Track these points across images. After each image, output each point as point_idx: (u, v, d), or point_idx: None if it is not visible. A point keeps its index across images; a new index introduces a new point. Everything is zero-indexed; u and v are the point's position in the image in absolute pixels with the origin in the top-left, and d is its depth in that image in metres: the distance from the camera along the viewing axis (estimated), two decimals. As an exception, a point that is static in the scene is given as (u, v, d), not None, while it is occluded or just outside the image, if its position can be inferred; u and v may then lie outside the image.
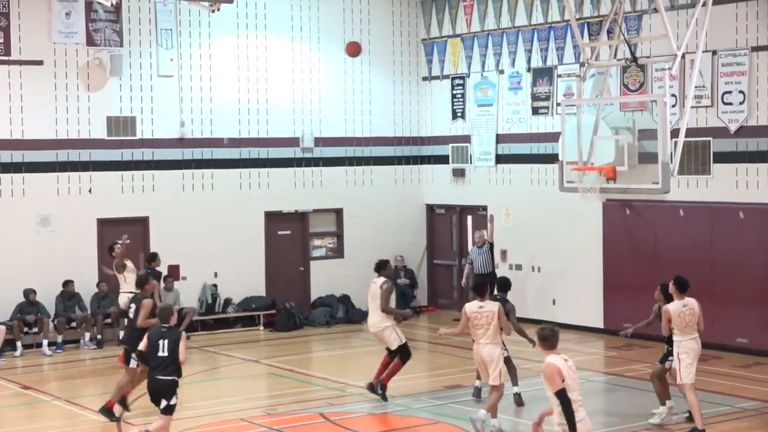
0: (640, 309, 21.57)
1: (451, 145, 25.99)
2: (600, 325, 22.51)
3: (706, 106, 20.46)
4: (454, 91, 25.85)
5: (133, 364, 15.75)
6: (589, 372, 19.11)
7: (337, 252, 25.75)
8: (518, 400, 16.65)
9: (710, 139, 20.46)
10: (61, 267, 22.17)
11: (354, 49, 16.73)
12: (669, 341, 15.22)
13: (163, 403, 13.52)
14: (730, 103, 20.18)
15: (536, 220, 23.83)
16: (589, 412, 16.19)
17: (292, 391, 17.96)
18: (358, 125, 25.88)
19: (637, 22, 21.45)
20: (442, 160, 26.23)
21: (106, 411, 16.03)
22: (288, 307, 24.33)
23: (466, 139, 25.57)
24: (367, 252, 25.46)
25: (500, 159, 24.77)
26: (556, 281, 23.35)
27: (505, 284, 16.75)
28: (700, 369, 18.65)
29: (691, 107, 18.66)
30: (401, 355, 16.80)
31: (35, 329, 21.68)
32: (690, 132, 18.63)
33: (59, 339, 21.74)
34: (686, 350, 14.44)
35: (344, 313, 25.18)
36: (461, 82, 25.65)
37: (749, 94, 19.90)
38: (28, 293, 21.65)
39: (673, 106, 20.03)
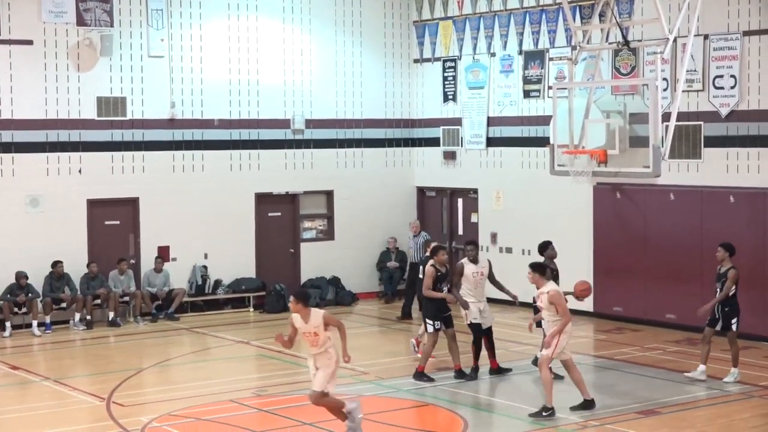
0: (631, 292, 21.76)
1: (442, 127, 25.99)
2: (590, 308, 22.53)
3: (698, 91, 20.48)
4: (446, 74, 25.83)
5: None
6: (580, 355, 19.12)
7: (328, 234, 25.76)
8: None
9: (701, 123, 20.49)
10: (50, 247, 22.16)
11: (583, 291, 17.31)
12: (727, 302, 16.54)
13: None
14: (722, 88, 20.19)
15: (527, 204, 23.85)
16: (579, 396, 16.32)
17: (281, 372, 17.99)
18: (349, 107, 25.86)
19: (629, 6, 21.44)
20: (433, 142, 26.23)
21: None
22: (278, 289, 24.35)
23: (457, 121, 25.57)
24: (357, 234, 25.56)
25: (491, 142, 24.78)
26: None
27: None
28: (689, 352, 18.80)
29: (683, 91, 18.67)
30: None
31: (25, 310, 21.68)
32: (681, 116, 18.66)
33: (48, 320, 21.73)
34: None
35: (334, 295, 25.23)
36: (453, 64, 25.63)
37: (741, 79, 19.91)
38: (20, 276, 21.60)
39: (665, 90, 20.03)
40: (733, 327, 16.57)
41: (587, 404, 14.95)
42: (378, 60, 26.22)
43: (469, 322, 17.32)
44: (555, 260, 17.76)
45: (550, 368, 14.76)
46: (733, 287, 16.58)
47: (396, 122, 26.52)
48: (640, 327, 21.31)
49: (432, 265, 17.23)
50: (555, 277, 17.25)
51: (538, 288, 15.32)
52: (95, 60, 22.70)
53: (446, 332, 17.22)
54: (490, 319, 17.52)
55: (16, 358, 19.51)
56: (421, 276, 17.95)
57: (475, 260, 17.39)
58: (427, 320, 17.30)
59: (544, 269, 15.35)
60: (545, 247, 17.79)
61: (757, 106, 19.78)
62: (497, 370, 17.43)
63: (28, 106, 22.09)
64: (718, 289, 16.68)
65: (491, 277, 17.83)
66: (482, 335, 17.39)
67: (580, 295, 16.80)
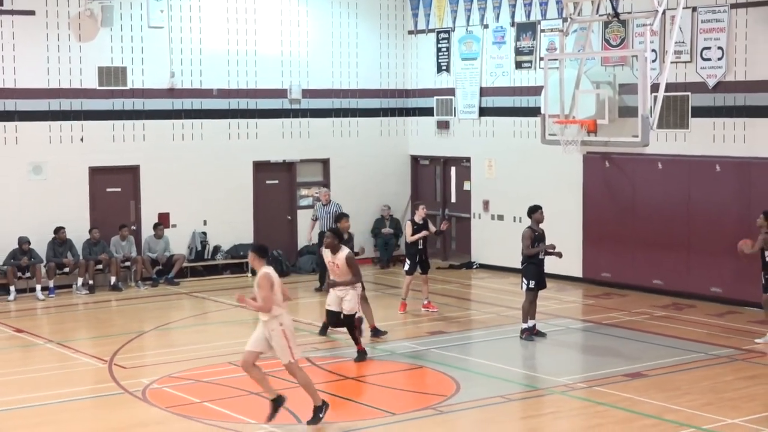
0: (619, 259, 21.84)
1: (435, 97, 25.99)
2: (579, 274, 22.65)
3: (686, 62, 20.49)
4: (440, 45, 25.79)
5: None
6: (568, 319, 19.26)
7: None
8: (375, 333, 17.66)
9: (689, 93, 20.51)
10: (53, 214, 22.19)
11: None
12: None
13: None
14: (709, 59, 20.20)
15: (518, 172, 23.89)
16: (568, 359, 16.44)
17: (279, 336, 18.03)
18: (345, 77, 25.83)
19: (620, -22, 21.40)
20: (427, 112, 26.23)
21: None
22: (275, 255, 24.38)
23: (451, 92, 25.56)
24: (353, 201, 25.53)
25: (484, 112, 24.79)
26: (537, 231, 23.43)
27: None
28: (675, 317, 18.88)
29: (671, 62, 18.63)
30: None
31: (29, 275, 21.73)
32: (669, 87, 18.66)
33: (51, 284, 21.79)
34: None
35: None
36: (446, 36, 25.59)
37: (728, 50, 19.91)
38: (22, 242, 21.66)
39: (654, 61, 20.04)
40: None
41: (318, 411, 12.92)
42: (373, 31, 26.17)
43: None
44: (541, 225, 17.71)
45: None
46: None
47: (391, 92, 26.50)
48: (628, 292, 21.39)
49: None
50: (541, 240, 17.36)
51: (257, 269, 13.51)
52: (96, 30, 22.64)
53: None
54: (350, 307, 16.04)
55: (21, 321, 19.57)
56: None
57: (330, 248, 15.99)
58: None
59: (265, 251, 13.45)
60: (533, 211, 17.76)
61: (744, 78, 19.79)
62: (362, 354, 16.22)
63: (31, 75, 22.05)
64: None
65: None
66: (340, 324, 16.38)
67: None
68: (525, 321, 17.43)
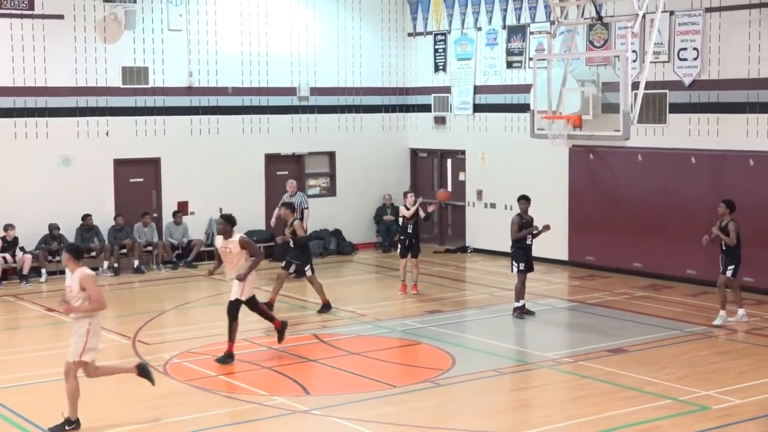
0: (602, 243, 21.84)
1: (433, 95, 25.93)
2: (565, 257, 22.65)
3: (664, 62, 20.44)
4: (437, 46, 25.73)
5: None
6: (555, 299, 19.27)
7: (330, 191, 25.77)
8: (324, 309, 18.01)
9: (667, 91, 20.47)
10: (81, 202, 22.19)
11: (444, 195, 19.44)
12: (728, 252, 16.56)
13: None
14: (685, 59, 20.16)
15: (509, 164, 23.86)
16: (555, 336, 16.44)
17: (289, 314, 18.02)
18: (349, 76, 25.78)
19: (603, -15, 21.33)
20: (425, 108, 26.18)
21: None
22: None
23: (447, 90, 25.51)
24: (357, 191, 25.59)
25: (477, 108, 24.75)
26: (526, 218, 23.42)
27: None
28: (654, 297, 18.88)
29: (650, 62, 18.63)
30: None
31: (58, 258, 21.73)
32: (649, 85, 18.63)
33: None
34: None
35: (336, 245, 25.28)
36: (443, 38, 25.53)
37: (702, 51, 19.87)
38: (53, 228, 21.68)
39: (634, 61, 19.99)
40: (728, 273, 16.56)
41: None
42: (375, 33, 26.12)
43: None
44: (529, 213, 17.70)
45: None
46: (736, 238, 16.55)
47: (392, 90, 26.45)
48: (610, 274, 21.39)
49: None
50: (527, 225, 17.35)
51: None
52: (120, 33, 22.61)
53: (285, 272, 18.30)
54: (235, 291, 14.81)
55: (51, 301, 19.56)
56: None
57: (222, 234, 14.88)
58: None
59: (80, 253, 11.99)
60: (519, 200, 17.73)
61: (717, 76, 19.75)
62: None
63: (60, 74, 22.03)
64: (712, 231, 16.75)
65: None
66: (254, 309, 15.23)
67: (441, 199, 20.52)
68: (517, 300, 17.44)
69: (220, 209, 23.88)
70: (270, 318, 15.41)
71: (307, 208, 21.82)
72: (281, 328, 15.33)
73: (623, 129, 16.92)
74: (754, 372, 13.85)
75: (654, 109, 20.55)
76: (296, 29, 24.92)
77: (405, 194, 20.36)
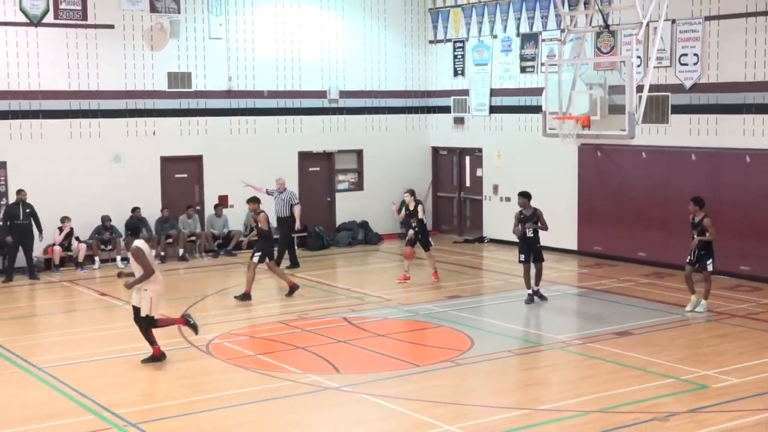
0: (608, 234, 21.75)
1: (452, 97, 25.88)
2: (574, 247, 22.58)
3: (666, 66, 20.32)
4: (456, 53, 25.68)
5: None
6: (565, 286, 19.22)
7: (358, 186, 25.77)
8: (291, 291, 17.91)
9: (669, 94, 20.35)
10: (130, 196, 22.28)
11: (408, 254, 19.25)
12: (706, 247, 16.22)
13: None
14: (686, 64, 20.04)
15: (523, 161, 23.80)
16: (565, 319, 16.40)
17: (320, 299, 18.11)
18: (375, 80, 25.77)
19: (610, -5, 21.24)
20: (445, 110, 26.14)
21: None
22: (317, 231, 24.43)
23: (465, 92, 25.46)
24: (382, 186, 25.58)
25: (493, 109, 24.69)
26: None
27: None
28: (657, 284, 18.80)
29: (654, 67, 18.52)
30: None
31: (110, 247, 21.87)
32: (652, 88, 18.51)
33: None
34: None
35: (363, 235, 25.27)
36: (461, 45, 25.47)
37: (702, 57, 19.74)
38: (105, 220, 21.81)
39: (639, 66, 19.80)
40: (709, 267, 16.33)
41: None
42: (399, 41, 26.09)
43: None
44: (537, 206, 17.62)
45: None
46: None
47: (414, 93, 26.42)
48: (616, 263, 21.31)
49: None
50: (526, 221, 17.16)
51: None
52: (166, 41, 22.68)
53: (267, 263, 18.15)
54: (143, 306, 13.81)
55: (103, 286, 19.72)
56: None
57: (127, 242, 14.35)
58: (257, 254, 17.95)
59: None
60: (518, 196, 17.61)
61: (716, 80, 19.62)
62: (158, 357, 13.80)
63: (111, 79, 22.11)
64: (695, 235, 16.35)
65: None
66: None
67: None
68: (527, 288, 17.40)
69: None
70: (169, 323, 14.15)
71: (297, 203, 21.46)
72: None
73: (628, 128, 16.83)
74: (751, 353, 13.77)
75: (657, 110, 20.44)
76: (326, 37, 24.93)
77: (405, 193, 20.18)
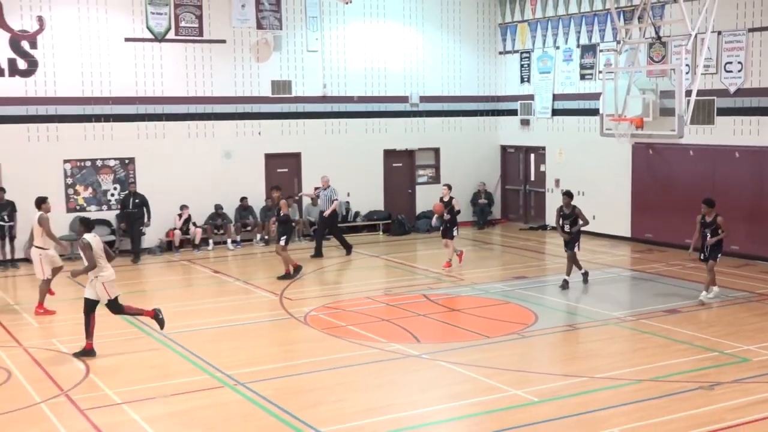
0: (659, 223, 21.39)
1: (519, 102, 25.65)
2: (628, 234, 22.23)
3: (712, 73, 19.84)
4: (522, 62, 25.43)
5: None
6: (620, 269, 18.94)
7: (435, 179, 25.67)
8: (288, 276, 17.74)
9: (714, 98, 19.88)
10: (239, 187, 22.57)
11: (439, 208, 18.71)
12: (718, 242, 15.37)
13: None
14: (731, 71, 19.54)
15: (582, 157, 23.49)
16: (619, 298, 16.13)
17: (402, 278, 18.14)
18: (451, 87, 25.66)
19: (661, 10, 20.80)
20: (513, 112, 25.91)
21: None
22: (399, 218, 24.46)
23: (531, 97, 25.20)
24: (457, 179, 25.42)
25: (556, 112, 24.40)
26: (596, 202, 23.03)
27: None
28: (703, 268, 18.36)
29: (701, 74, 18.12)
30: None
31: (222, 231, 22.19)
32: (699, 92, 18.11)
33: (238, 238, 22.22)
34: None
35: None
36: (527, 55, 25.22)
37: (745, 65, 19.22)
38: (217, 207, 22.13)
39: (687, 73, 19.42)
40: (717, 259, 15.57)
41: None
42: (472, 52, 25.93)
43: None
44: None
45: None
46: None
47: (485, 98, 26.24)
48: (666, 248, 20.92)
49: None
50: (565, 218, 16.69)
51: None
52: (270, 53, 22.88)
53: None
54: (99, 295, 12.54)
55: (216, 265, 20.01)
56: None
57: (78, 235, 12.77)
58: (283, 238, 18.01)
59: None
60: (563, 195, 17.07)
61: (759, 85, 19.09)
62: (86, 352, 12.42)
63: (222, 87, 22.38)
64: (708, 233, 15.44)
65: None
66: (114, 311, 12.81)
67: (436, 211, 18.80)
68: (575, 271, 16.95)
69: (348, 193, 24.17)
70: (138, 312, 13.00)
71: (337, 199, 21.13)
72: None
73: (678, 129, 16.50)
74: (788, 331, 13.42)
75: (704, 113, 19.98)
76: (408, 49, 24.89)
77: (443, 186, 19.43)
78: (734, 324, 13.92)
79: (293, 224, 18.38)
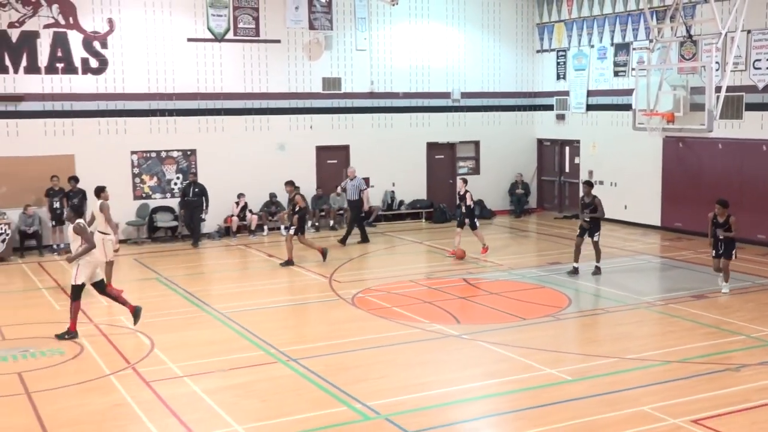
0: (688, 212, 21.07)
1: (555, 97, 25.40)
2: (658, 223, 21.93)
3: (741, 70, 19.45)
4: (558, 60, 25.17)
5: None
6: (650, 256, 18.70)
7: (475, 170, 25.57)
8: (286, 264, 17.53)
9: (743, 93, 19.48)
10: (292, 177, 22.37)
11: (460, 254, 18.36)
12: (730, 240, 14.84)
13: None
14: (759, 68, 19.13)
15: (615, 150, 23.20)
16: (649, 283, 15.90)
17: (444, 262, 18.08)
18: (491, 83, 25.49)
19: (692, 9, 20.42)
20: (549, 108, 25.67)
21: None
22: (441, 207, 24.39)
23: (566, 93, 24.95)
24: (495, 171, 25.35)
25: (590, 107, 24.12)
26: (628, 192, 22.77)
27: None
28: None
29: (730, 71, 17.77)
30: None
31: (276, 218, 22.32)
32: (729, 88, 17.80)
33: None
34: None
35: (479, 212, 24.99)
36: (563, 53, 24.95)
37: (774, 61, 18.84)
38: (272, 196, 22.25)
39: (717, 70, 19.09)
40: (733, 257, 15.08)
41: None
42: (511, 50, 25.72)
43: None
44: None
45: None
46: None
47: (523, 94, 26.03)
48: (694, 237, 20.59)
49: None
50: (585, 207, 16.39)
51: None
52: (321, 52, 22.93)
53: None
54: (73, 275, 12.40)
55: (270, 249, 20.15)
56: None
57: (68, 220, 12.71)
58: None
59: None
60: (583, 184, 16.76)
61: (786, 81, 18.71)
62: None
63: (277, 83, 22.47)
64: (719, 233, 14.94)
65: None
66: (103, 294, 12.73)
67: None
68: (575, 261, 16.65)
69: (393, 183, 24.17)
70: (122, 302, 12.75)
71: (365, 189, 20.88)
72: (135, 312, 12.71)
73: (707, 123, 16.24)
74: (812, 316, 13.15)
75: (732, 108, 19.60)
76: (451, 48, 24.77)
77: (459, 179, 19.19)
78: (760, 309, 13.68)
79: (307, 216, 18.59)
